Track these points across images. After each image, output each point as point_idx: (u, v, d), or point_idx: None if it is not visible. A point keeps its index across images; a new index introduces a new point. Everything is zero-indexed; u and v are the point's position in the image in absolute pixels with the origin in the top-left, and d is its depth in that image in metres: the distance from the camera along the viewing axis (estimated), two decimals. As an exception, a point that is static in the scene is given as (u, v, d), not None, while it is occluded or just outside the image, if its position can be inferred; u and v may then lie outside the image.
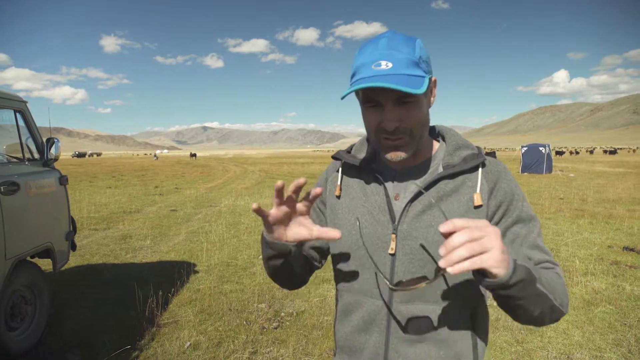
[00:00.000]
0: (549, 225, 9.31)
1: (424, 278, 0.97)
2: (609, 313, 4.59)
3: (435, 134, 1.26)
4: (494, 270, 0.85)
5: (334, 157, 1.31)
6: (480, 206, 1.10)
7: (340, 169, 1.30)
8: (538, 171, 25.64)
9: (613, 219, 9.89)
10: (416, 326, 1.11)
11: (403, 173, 1.19)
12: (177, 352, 3.79)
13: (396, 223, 1.14)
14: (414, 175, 1.18)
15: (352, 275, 1.20)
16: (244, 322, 4.40)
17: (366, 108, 1.10)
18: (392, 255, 1.13)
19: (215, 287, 5.47)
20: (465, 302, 1.12)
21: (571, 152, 73.99)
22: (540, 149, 26.33)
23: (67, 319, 4.52)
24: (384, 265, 1.13)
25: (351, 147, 1.32)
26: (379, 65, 1.02)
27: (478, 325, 1.15)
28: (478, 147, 1.19)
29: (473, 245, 0.82)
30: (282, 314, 4.64)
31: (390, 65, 1.02)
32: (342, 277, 1.24)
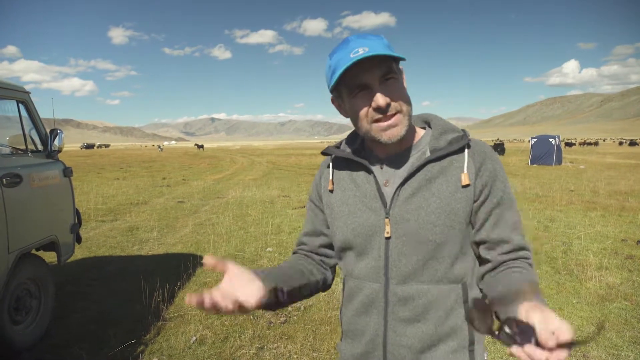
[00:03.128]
0: (560, 217, 9.17)
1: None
2: (624, 309, 4.47)
3: (420, 121, 1.31)
4: None
5: (324, 153, 1.35)
6: (467, 185, 1.15)
7: (330, 164, 1.34)
8: (548, 163, 25.38)
9: (626, 212, 9.72)
10: (412, 306, 1.15)
11: (390, 160, 1.22)
12: (182, 347, 3.73)
13: (388, 208, 1.18)
14: (401, 161, 1.22)
15: (353, 262, 1.25)
16: (251, 317, 4.33)
17: (353, 97, 1.15)
18: (388, 238, 1.17)
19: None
20: (457, 278, 1.16)
21: (581, 144, 73.11)
22: (550, 140, 26.06)
23: (72, 312, 4.48)
24: (378, 250, 1.18)
25: (340, 142, 1.37)
26: (357, 52, 1.08)
27: (470, 297, 1.18)
28: (463, 130, 1.24)
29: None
30: (290, 308, 4.57)
31: (367, 49, 1.08)
32: (345, 265, 1.29)
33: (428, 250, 1.14)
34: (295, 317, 4.35)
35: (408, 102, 1.16)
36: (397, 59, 1.15)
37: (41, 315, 3.93)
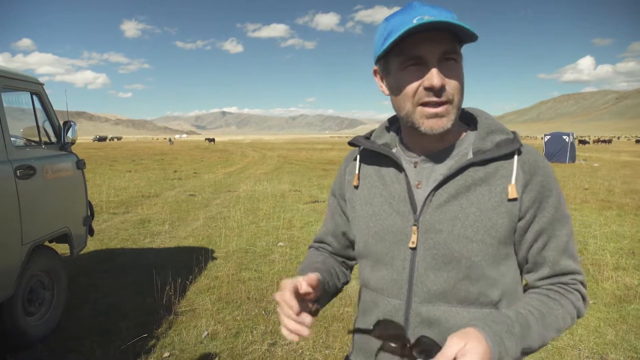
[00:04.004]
0: (575, 216, 9.02)
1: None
2: (643, 311, 4.38)
3: (463, 117, 1.14)
4: None
5: (351, 144, 1.20)
6: (514, 199, 1.00)
7: (358, 157, 1.20)
8: (561, 160, 25.09)
9: (643, 211, 9.54)
10: (437, 330, 1.01)
11: (427, 158, 1.07)
12: (194, 342, 3.72)
13: (417, 214, 1.03)
14: (439, 161, 1.07)
15: (369, 272, 1.12)
16: (263, 312, 4.31)
17: (404, 69, 0.99)
18: (413, 249, 1.03)
19: (233, 274, 5.39)
20: (491, 302, 1.02)
21: (595, 141, 72.15)
22: (564, 137, 25.76)
23: (85, 304, 4.49)
24: (403, 261, 1.04)
25: (370, 133, 1.22)
26: (422, 19, 0.92)
27: None
28: (514, 132, 1.07)
29: None
30: (302, 304, 4.53)
31: (434, 18, 0.92)
32: (361, 273, 1.17)
33: (461, 268, 1.00)
34: (307, 313, 4.31)
35: (462, 94, 1.01)
36: (462, 41, 1.00)
37: (54, 306, 3.94)
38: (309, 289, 0.94)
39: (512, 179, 1.00)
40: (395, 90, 1.03)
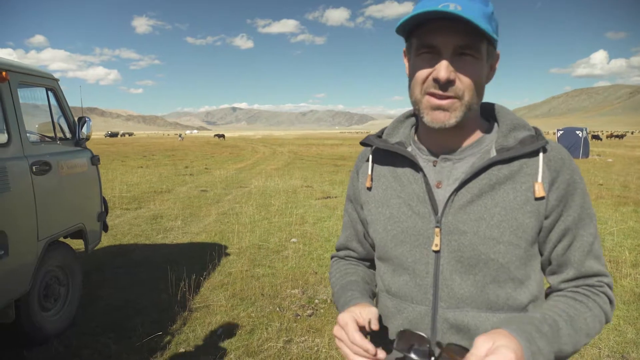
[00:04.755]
0: (591, 212, 8.89)
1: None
2: (664, 309, 4.29)
3: (484, 112, 1.09)
4: None
5: (363, 143, 1.15)
6: (542, 198, 0.95)
7: (370, 157, 1.15)
8: (574, 155, 24.78)
9: (660, 208, 9.38)
10: (467, 336, 0.96)
11: (447, 157, 1.03)
12: (209, 339, 3.70)
13: (439, 215, 0.99)
14: (460, 159, 1.02)
15: (390, 276, 1.08)
16: (277, 309, 4.28)
17: (419, 55, 0.95)
18: (437, 252, 0.99)
19: (246, 270, 5.38)
20: (520, 305, 0.98)
21: (608, 136, 71.26)
22: (577, 132, 25.46)
23: (99, 300, 4.50)
24: (426, 265, 1.00)
25: (382, 130, 1.16)
26: (447, 6, 0.87)
27: None
28: (535, 128, 1.02)
29: None
30: (316, 300, 4.51)
31: (460, 8, 0.87)
32: (380, 277, 1.12)
33: (488, 271, 0.96)
34: (322, 310, 4.28)
35: (476, 91, 0.95)
36: (490, 39, 0.92)
37: (69, 302, 3.95)
38: (376, 326, 0.94)
39: (538, 177, 0.96)
40: (410, 74, 1.00)
